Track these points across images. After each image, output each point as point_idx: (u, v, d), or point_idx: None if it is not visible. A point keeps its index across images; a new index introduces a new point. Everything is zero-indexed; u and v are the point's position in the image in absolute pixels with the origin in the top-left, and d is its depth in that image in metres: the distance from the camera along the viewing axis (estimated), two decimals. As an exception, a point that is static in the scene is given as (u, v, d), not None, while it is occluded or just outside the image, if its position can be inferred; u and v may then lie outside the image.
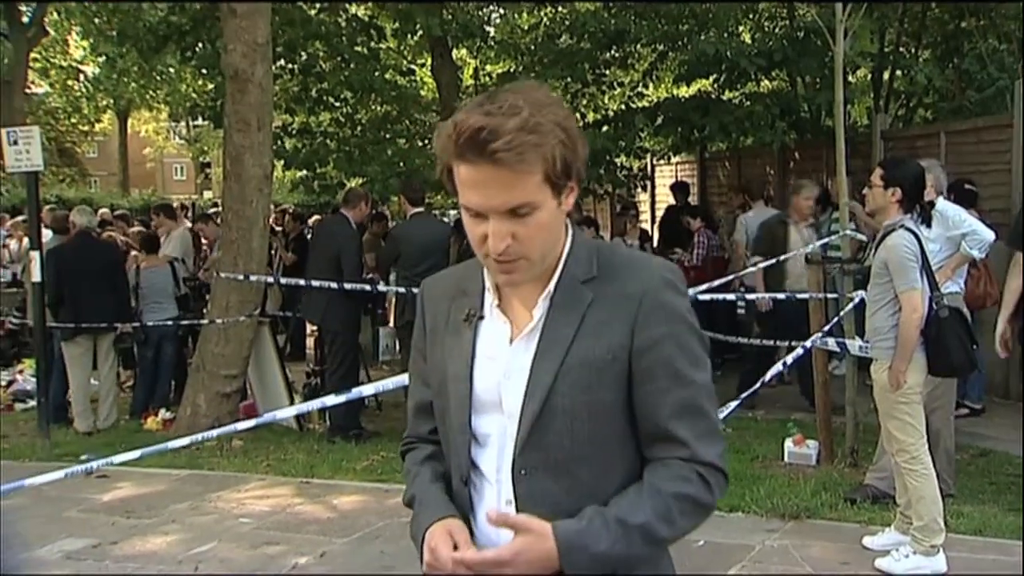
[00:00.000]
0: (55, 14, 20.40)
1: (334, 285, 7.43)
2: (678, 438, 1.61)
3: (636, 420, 1.64)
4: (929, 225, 5.00)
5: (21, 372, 10.01)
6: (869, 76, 12.07)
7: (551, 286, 1.65)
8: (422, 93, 14.27)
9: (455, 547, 1.60)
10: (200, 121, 16.20)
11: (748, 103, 10.84)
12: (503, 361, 1.67)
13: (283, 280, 9.19)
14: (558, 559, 1.53)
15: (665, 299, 1.63)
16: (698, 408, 1.63)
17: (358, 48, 11.75)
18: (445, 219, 12.62)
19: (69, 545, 5.27)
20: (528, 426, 1.61)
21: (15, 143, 7.57)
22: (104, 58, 20.27)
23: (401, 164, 11.48)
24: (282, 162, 11.88)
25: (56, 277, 7.82)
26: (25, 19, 18.54)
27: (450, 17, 11.76)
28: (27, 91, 20.51)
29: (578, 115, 13.09)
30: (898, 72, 11.32)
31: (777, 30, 12.07)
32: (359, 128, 12.69)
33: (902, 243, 4.57)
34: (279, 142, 11.30)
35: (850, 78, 11.43)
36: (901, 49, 11.34)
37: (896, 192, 4.67)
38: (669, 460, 1.62)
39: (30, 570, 4.88)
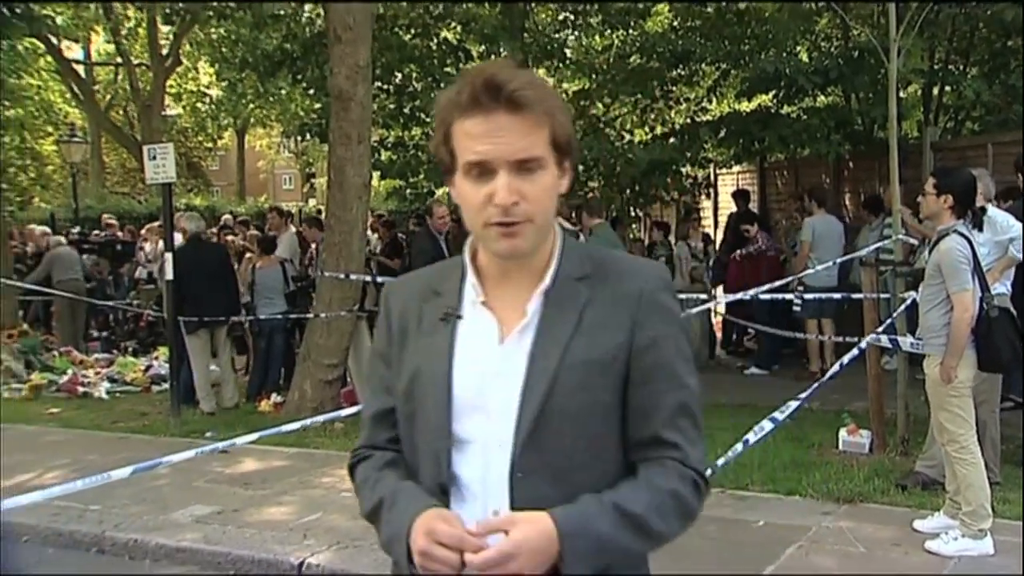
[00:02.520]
0: (188, 46, 21.05)
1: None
2: (671, 441, 1.44)
3: (627, 421, 1.46)
4: (981, 230, 4.83)
5: (157, 358, 10.38)
6: (920, 91, 11.69)
7: (547, 282, 1.46)
8: (504, 110, 14.28)
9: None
10: (307, 137, 16.48)
11: (805, 117, 10.68)
12: (490, 361, 1.45)
13: (379, 279, 9.32)
14: (559, 543, 1.33)
15: (663, 300, 1.49)
16: (691, 412, 1.47)
17: (448, 69, 11.86)
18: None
19: (198, 511, 5.46)
20: (528, 428, 1.41)
21: (154, 158, 7.86)
22: (227, 83, 20.82)
23: (484, 175, 11.52)
24: (379, 173, 12.05)
25: (175, 277, 7.98)
26: (164, 51, 19.17)
27: (531, 40, 11.83)
28: (163, 113, 21.22)
29: (647, 128, 13.02)
30: (947, 87, 10.93)
31: (833, 49, 11.78)
32: (448, 142, 12.78)
33: (955, 247, 4.44)
34: (376, 155, 11.46)
35: (902, 93, 11.09)
36: (950, 66, 10.94)
37: (948, 199, 4.53)
38: (663, 459, 1.44)
39: (167, 529, 5.08)
